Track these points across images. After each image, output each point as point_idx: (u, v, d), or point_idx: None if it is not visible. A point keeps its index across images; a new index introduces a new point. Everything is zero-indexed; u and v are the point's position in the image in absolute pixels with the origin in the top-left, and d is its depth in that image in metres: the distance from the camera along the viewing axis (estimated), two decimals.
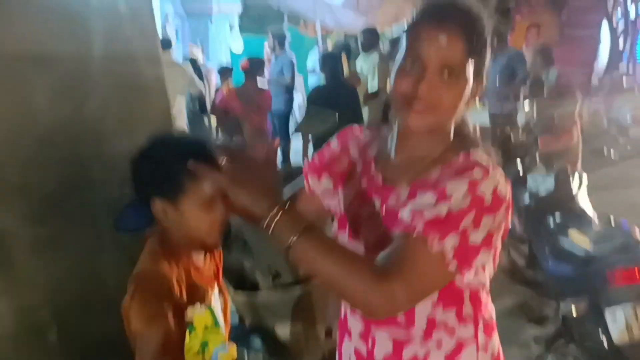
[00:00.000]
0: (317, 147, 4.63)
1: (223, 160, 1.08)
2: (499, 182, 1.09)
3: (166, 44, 5.85)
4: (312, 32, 14.10)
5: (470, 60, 1.12)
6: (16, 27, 2.30)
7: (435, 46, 1.10)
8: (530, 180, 3.18)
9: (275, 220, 1.04)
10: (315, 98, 4.90)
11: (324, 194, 1.37)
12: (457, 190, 1.07)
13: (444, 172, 1.14)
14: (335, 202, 1.34)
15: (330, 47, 13.03)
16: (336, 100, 4.91)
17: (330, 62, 5.11)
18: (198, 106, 6.32)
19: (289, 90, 7.67)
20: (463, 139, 1.20)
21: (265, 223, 1.04)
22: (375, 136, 1.34)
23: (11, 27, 2.29)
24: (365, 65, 6.09)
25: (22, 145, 2.23)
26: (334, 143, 1.38)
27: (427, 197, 1.10)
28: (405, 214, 1.14)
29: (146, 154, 1.35)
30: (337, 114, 2.05)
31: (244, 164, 1.10)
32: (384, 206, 1.21)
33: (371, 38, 6.19)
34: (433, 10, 1.14)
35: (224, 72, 6.82)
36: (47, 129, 2.29)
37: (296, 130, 2.20)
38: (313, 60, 10.98)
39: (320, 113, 1.93)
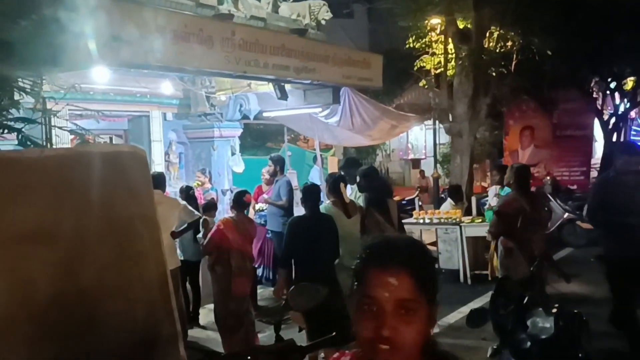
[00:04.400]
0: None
1: None
2: None
3: (158, 182, 5.98)
4: (312, 146, 14.54)
5: (423, 291, 1.18)
6: (18, 206, 2.37)
7: (387, 289, 1.15)
8: (530, 324, 3.13)
9: None
10: (296, 227, 5.08)
11: None
12: None
13: None
14: None
15: (330, 165, 13.39)
16: (316, 230, 5.09)
17: (311, 195, 5.30)
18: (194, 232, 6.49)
19: (288, 210, 7.80)
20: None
21: None
22: None
23: (14, 207, 2.36)
24: (353, 194, 6.38)
25: (18, 327, 2.24)
26: None
27: None
28: None
29: None
30: (324, 288, 2.07)
31: None
32: None
33: (349, 172, 6.46)
34: (378, 253, 1.20)
35: (207, 207, 6.91)
36: (43, 306, 2.31)
37: (284, 307, 2.15)
38: (315, 177, 11.23)
39: (307, 289, 1.95)
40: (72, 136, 6.95)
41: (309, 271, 4.74)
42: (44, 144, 5.43)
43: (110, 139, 10.25)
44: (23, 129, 4.43)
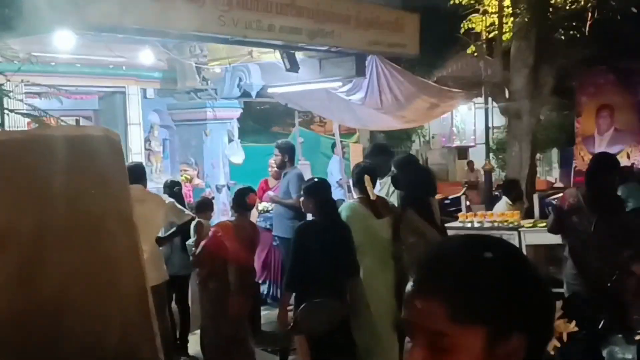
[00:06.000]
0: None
1: None
2: None
3: (138, 175, 5.93)
4: (330, 130, 14.54)
5: (464, 325, 1.09)
6: None
7: (412, 315, 1.11)
8: (606, 355, 3.12)
9: None
10: (304, 237, 5.03)
11: None
12: None
13: None
14: None
15: (352, 154, 13.39)
16: (328, 239, 5.02)
17: (317, 193, 5.25)
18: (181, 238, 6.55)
19: (299, 210, 7.81)
20: None
21: None
22: None
23: None
24: (384, 190, 6.36)
25: None
26: None
27: None
28: None
29: None
30: (342, 303, 2.07)
31: None
32: None
33: (376, 162, 6.43)
34: (418, 264, 1.17)
35: (202, 206, 6.90)
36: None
37: (293, 330, 2.13)
38: (335, 169, 11.25)
39: (321, 307, 1.94)
40: (29, 120, 7.04)
41: (319, 290, 4.67)
42: None
43: (77, 121, 10.34)
44: None
